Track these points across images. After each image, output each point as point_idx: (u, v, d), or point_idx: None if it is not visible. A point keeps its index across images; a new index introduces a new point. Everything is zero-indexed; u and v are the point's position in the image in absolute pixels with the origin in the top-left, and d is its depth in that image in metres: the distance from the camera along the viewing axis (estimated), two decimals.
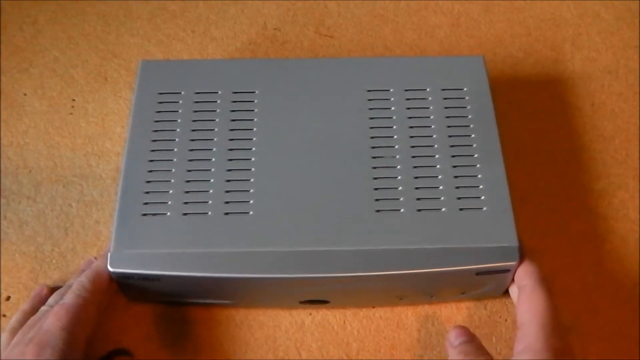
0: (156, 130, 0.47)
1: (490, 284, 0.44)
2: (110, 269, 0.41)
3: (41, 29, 0.61)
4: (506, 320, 0.46)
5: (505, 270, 0.42)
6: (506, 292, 0.45)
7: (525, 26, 0.61)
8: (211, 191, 0.44)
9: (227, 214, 0.43)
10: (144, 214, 0.43)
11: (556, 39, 0.60)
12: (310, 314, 0.46)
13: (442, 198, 0.44)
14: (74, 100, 0.57)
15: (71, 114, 0.56)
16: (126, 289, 0.44)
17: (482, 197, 0.44)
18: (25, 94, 0.57)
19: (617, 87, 0.58)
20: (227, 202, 0.44)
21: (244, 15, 0.61)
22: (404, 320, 0.46)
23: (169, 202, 0.44)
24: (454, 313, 0.46)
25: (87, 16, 0.62)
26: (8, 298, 0.47)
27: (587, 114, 0.56)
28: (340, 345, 0.45)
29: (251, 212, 0.43)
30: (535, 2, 0.63)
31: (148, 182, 0.44)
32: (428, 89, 0.49)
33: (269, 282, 0.42)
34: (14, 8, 0.62)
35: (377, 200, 0.44)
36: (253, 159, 0.45)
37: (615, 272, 0.48)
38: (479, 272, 0.42)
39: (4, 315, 0.46)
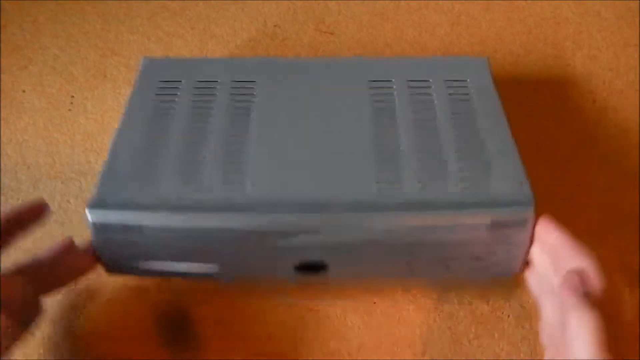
0: (152, 116, 0.45)
1: (506, 246, 0.40)
2: (89, 217, 0.39)
3: (41, 27, 0.61)
4: (509, 316, 0.46)
5: (522, 223, 0.39)
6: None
7: (525, 24, 0.61)
8: (206, 156, 0.42)
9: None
10: (133, 167, 0.41)
11: (557, 37, 0.60)
12: (311, 310, 0.46)
13: (447, 158, 0.42)
14: (73, 97, 0.56)
15: (70, 110, 0.56)
16: (104, 250, 0.41)
17: (488, 153, 0.42)
18: (24, 91, 0.57)
19: (618, 85, 0.58)
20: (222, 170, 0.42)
21: (244, 13, 0.61)
22: (405, 316, 0.46)
23: (162, 158, 0.42)
24: (456, 309, 0.46)
25: (87, 14, 0.62)
26: None
27: (588, 111, 0.56)
28: (341, 342, 0.45)
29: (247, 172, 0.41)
30: (535, 2, 0.63)
31: (142, 144, 0.43)
32: (431, 80, 0.48)
33: (259, 231, 0.39)
34: (14, 6, 0.62)
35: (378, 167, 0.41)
36: (251, 132, 0.44)
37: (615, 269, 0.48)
38: (494, 224, 0.39)
39: None
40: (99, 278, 0.48)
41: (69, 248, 0.41)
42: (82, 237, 0.49)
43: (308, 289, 0.43)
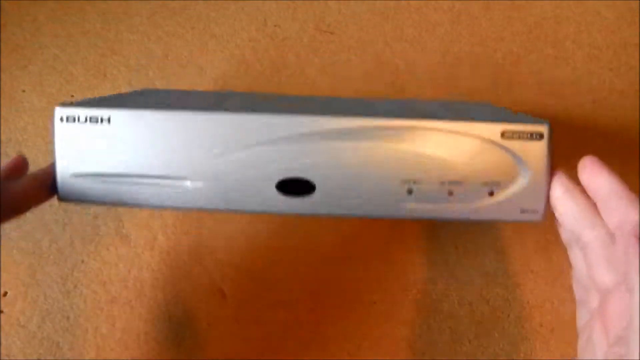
0: None
1: (523, 171, 0.36)
2: (56, 113, 0.36)
3: (40, 27, 0.61)
4: (509, 316, 0.46)
5: (537, 136, 0.36)
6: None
7: (526, 24, 0.61)
8: None
9: None
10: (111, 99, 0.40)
11: (557, 37, 0.60)
12: (311, 310, 0.46)
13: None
14: (73, 96, 0.56)
15: None
16: (67, 159, 0.37)
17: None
18: (24, 91, 0.57)
19: (618, 85, 0.57)
20: None
21: (243, 12, 0.60)
22: (405, 315, 0.46)
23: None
24: (456, 308, 0.46)
25: (87, 14, 0.62)
26: (5, 294, 0.47)
27: (588, 111, 0.56)
28: (341, 342, 0.45)
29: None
30: (536, 1, 0.62)
31: None
32: None
33: (236, 130, 0.36)
34: (14, 6, 0.62)
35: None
36: None
37: None
38: (505, 134, 0.36)
39: (2, 312, 0.46)
40: (100, 277, 0.48)
41: (20, 167, 0.37)
42: (82, 237, 0.49)
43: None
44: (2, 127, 0.54)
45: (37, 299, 0.48)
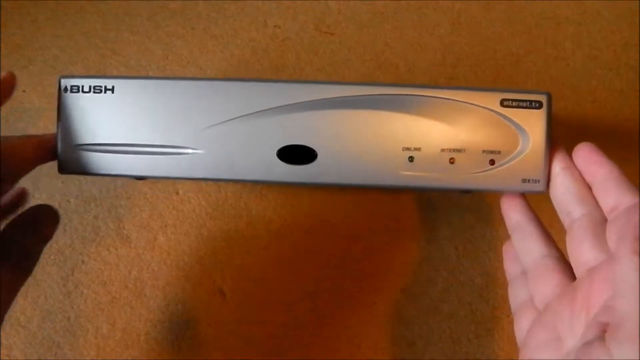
0: None
1: (523, 140, 0.37)
2: (61, 83, 0.38)
3: (41, 27, 0.61)
4: (509, 316, 0.46)
5: (536, 104, 0.37)
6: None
7: (525, 24, 0.61)
8: None
9: None
10: None
11: (557, 37, 0.60)
12: (311, 310, 0.46)
13: None
14: None
15: None
16: (69, 130, 0.38)
17: None
18: (24, 91, 0.57)
19: (618, 85, 0.58)
20: None
21: (244, 13, 0.61)
22: (405, 315, 0.46)
23: None
24: (457, 309, 0.46)
25: (87, 14, 0.62)
26: None
27: (588, 111, 0.56)
28: (342, 342, 0.45)
29: None
30: (535, 1, 0.63)
31: None
32: None
33: (234, 100, 0.37)
34: (14, 6, 0.62)
35: None
36: None
37: None
38: (505, 102, 0.37)
39: None
40: (101, 277, 0.48)
41: (8, 83, 0.39)
42: (83, 237, 0.49)
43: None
44: (2, 128, 0.54)
45: (38, 299, 0.48)
